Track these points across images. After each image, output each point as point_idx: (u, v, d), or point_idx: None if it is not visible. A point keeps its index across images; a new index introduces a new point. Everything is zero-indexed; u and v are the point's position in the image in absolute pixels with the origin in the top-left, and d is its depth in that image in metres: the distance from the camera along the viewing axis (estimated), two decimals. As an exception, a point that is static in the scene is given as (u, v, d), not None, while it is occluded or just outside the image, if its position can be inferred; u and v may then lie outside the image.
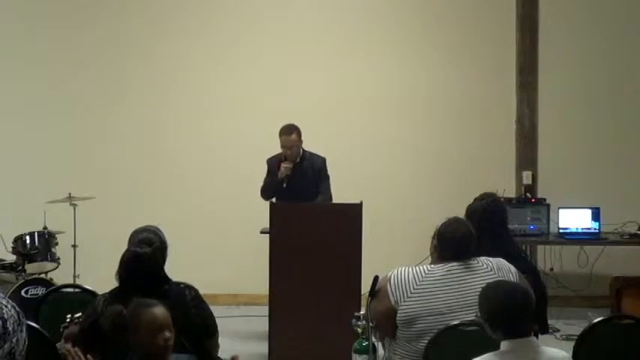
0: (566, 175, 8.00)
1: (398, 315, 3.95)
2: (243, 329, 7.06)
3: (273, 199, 6.49)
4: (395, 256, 6.16)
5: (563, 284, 7.73)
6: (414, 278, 3.98)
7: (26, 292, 6.05)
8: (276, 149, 6.89)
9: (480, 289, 3.41)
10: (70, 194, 7.36)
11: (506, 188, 7.61)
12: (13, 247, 7.18)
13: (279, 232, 5.89)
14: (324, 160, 6.73)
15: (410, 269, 4.04)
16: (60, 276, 7.18)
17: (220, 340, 4.01)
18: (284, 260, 5.86)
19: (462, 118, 8.14)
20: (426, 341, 3.84)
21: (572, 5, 8.10)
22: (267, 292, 5.92)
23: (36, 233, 7.23)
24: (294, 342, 5.78)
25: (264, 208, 5.93)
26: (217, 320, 3.99)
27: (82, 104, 8.25)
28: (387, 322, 3.99)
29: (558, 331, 6.85)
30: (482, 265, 4.02)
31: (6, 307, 3.34)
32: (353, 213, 5.86)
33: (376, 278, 4.01)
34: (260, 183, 6.91)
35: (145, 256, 3.84)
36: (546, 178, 8.04)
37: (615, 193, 7.84)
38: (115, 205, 7.98)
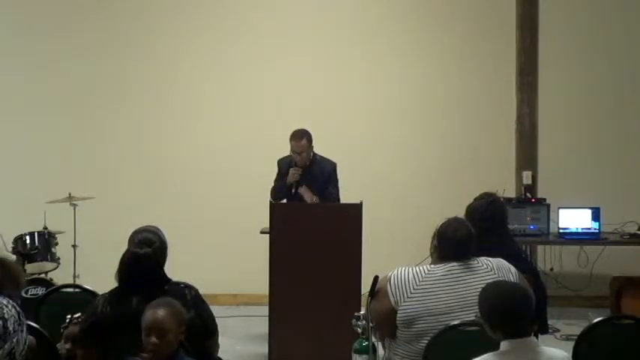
0: (566, 175, 8.01)
1: (398, 315, 3.95)
2: (243, 329, 7.05)
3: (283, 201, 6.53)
4: (395, 256, 6.16)
5: (563, 284, 7.73)
6: (414, 278, 3.98)
7: (26, 292, 6.03)
8: (277, 149, 6.89)
9: (480, 289, 3.41)
10: (70, 194, 7.36)
11: (506, 188, 7.61)
12: (13, 247, 7.18)
13: (279, 232, 5.89)
14: (334, 164, 6.70)
15: (410, 269, 4.04)
16: (60, 276, 7.18)
17: (220, 340, 4.01)
18: (284, 260, 5.86)
19: (462, 117, 8.14)
20: (426, 341, 3.84)
21: (572, 5, 8.10)
22: (267, 292, 5.92)
23: (36, 233, 7.23)
24: (294, 342, 5.78)
25: (264, 208, 5.93)
26: (217, 320, 3.99)
27: (82, 104, 8.25)
28: (387, 322, 3.98)
29: (558, 331, 6.86)
30: (482, 265, 4.02)
31: (6, 307, 3.34)
32: (353, 213, 5.86)
33: (376, 278, 4.01)
34: (260, 183, 6.91)
35: (144, 257, 3.84)
36: (546, 178, 8.04)
37: (615, 193, 7.84)
38: (115, 205, 7.97)
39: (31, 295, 5.94)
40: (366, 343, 3.83)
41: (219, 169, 8.14)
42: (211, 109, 8.24)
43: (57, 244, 7.37)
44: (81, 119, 8.24)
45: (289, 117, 7.88)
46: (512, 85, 8.13)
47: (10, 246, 7.20)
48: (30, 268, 7.09)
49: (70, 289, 5.05)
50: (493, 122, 8.13)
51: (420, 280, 3.97)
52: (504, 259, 4.15)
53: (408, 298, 3.94)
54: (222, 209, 8.05)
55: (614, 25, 8.05)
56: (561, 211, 7.48)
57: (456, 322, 3.84)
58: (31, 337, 3.62)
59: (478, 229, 4.30)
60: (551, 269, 7.80)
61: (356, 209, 5.86)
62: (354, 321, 3.89)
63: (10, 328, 3.26)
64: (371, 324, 3.84)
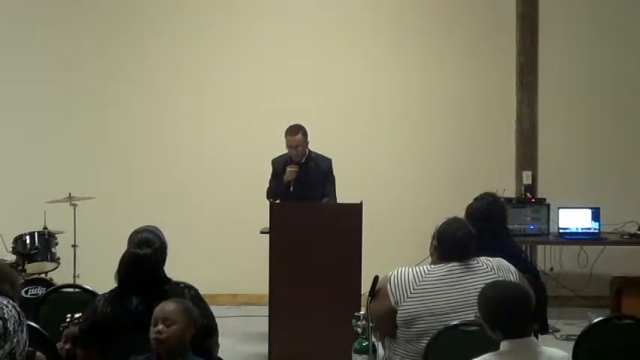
0: (566, 175, 8.01)
1: (398, 315, 3.95)
2: (243, 329, 7.06)
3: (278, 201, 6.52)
4: (395, 256, 6.15)
5: (563, 284, 7.74)
6: (414, 278, 3.98)
7: (26, 292, 6.04)
8: (277, 149, 6.89)
9: (480, 289, 3.40)
10: (70, 194, 7.36)
11: (506, 188, 7.61)
12: (13, 247, 7.18)
13: (279, 232, 5.89)
14: (330, 161, 6.72)
15: (410, 269, 4.04)
16: (60, 276, 7.18)
17: (220, 340, 4.01)
18: (284, 260, 5.86)
19: (462, 118, 8.14)
20: (425, 341, 3.84)
21: (572, 5, 8.11)
22: (267, 292, 5.93)
23: (36, 233, 7.23)
24: (294, 342, 5.78)
25: (264, 208, 5.94)
26: (217, 320, 3.99)
27: (82, 104, 8.26)
28: (387, 322, 3.98)
29: (558, 331, 6.86)
30: (482, 265, 4.02)
31: (7, 307, 3.34)
32: (353, 213, 5.86)
33: (376, 278, 4.01)
34: (260, 183, 6.91)
35: (144, 258, 3.84)
36: (546, 178, 8.04)
37: (615, 193, 7.84)
38: (115, 205, 7.98)
39: (31, 295, 5.96)
40: (366, 343, 3.83)
41: (219, 169, 8.14)
42: (211, 109, 8.24)
43: (57, 244, 7.36)
44: (81, 119, 8.24)
45: (289, 117, 7.86)
46: (512, 85, 8.13)
47: (10, 246, 7.19)
48: (30, 268, 7.09)
49: (70, 289, 5.05)
50: (493, 122, 8.13)
51: (420, 280, 3.97)
52: (504, 259, 4.15)
53: (408, 298, 3.94)
54: (222, 209, 8.05)
55: (614, 25, 8.05)
56: (561, 211, 7.48)
57: (455, 322, 3.84)
58: (40, 354, 3.62)
59: (478, 229, 4.30)
60: (551, 269, 7.80)
61: (356, 209, 5.86)
62: (354, 321, 3.88)
63: (11, 329, 3.26)
64: (371, 324, 3.83)
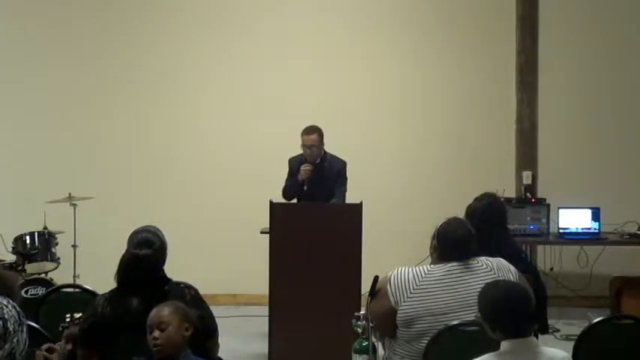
0: (566, 175, 8.01)
1: (398, 315, 3.95)
2: (243, 329, 7.06)
3: (294, 200, 6.57)
4: (395, 256, 6.15)
5: (563, 284, 7.74)
6: (414, 278, 3.98)
7: (26, 292, 6.04)
8: (277, 149, 6.90)
9: (480, 289, 3.40)
10: (70, 194, 7.37)
11: (506, 188, 7.62)
12: (13, 247, 7.18)
13: (279, 232, 5.89)
14: (344, 163, 6.76)
15: (410, 269, 4.04)
16: (60, 276, 7.18)
17: (220, 340, 4.00)
18: (284, 260, 5.86)
19: (462, 118, 8.14)
20: (425, 341, 3.84)
21: (572, 5, 8.11)
22: (267, 292, 5.93)
23: (36, 233, 7.23)
24: (294, 342, 5.78)
25: (264, 208, 5.93)
26: (217, 320, 3.99)
27: (81, 104, 8.26)
28: (386, 322, 3.98)
29: (558, 331, 6.86)
30: (482, 265, 4.02)
31: (6, 307, 3.34)
32: (353, 213, 5.86)
33: (376, 278, 4.01)
34: (260, 183, 6.92)
35: (144, 258, 3.84)
36: (546, 178, 8.04)
37: (615, 193, 7.84)
38: (115, 205, 7.98)
39: (31, 295, 5.96)
40: (366, 343, 3.83)
41: (219, 169, 8.15)
42: (211, 109, 8.24)
43: (57, 244, 7.37)
44: (81, 119, 8.24)
45: (289, 117, 7.89)
46: (512, 85, 8.13)
47: (10, 246, 7.19)
48: (30, 268, 7.09)
49: (70, 289, 5.05)
50: (493, 122, 8.13)
51: (420, 280, 3.97)
52: (504, 259, 4.15)
53: (408, 298, 3.94)
54: (222, 209, 8.06)
55: (614, 25, 8.05)
56: (561, 211, 7.48)
57: (455, 322, 3.84)
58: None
59: (478, 230, 4.30)
60: (551, 269, 7.80)
61: (356, 209, 5.86)
62: (354, 321, 3.88)
63: (11, 329, 3.25)
64: (371, 324, 3.83)
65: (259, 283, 6.23)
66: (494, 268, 4.02)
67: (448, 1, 8.22)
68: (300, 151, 6.70)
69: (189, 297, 3.84)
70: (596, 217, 7.45)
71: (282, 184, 6.81)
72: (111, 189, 8.07)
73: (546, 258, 7.83)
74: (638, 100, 8.07)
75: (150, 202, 7.95)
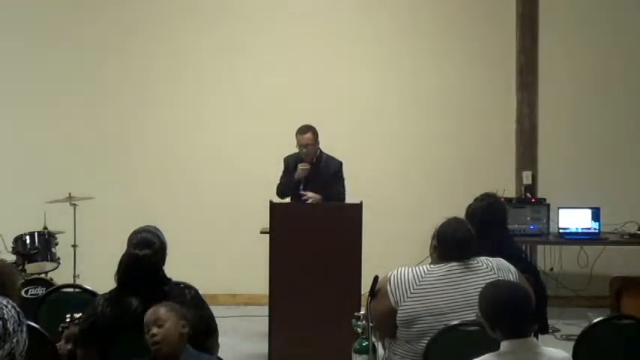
0: (566, 175, 8.01)
1: (398, 315, 3.95)
2: (243, 329, 7.06)
3: (288, 199, 6.54)
4: (395, 256, 6.16)
5: (563, 284, 7.74)
6: (414, 278, 3.98)
7: (26, 292, 6.04)
8: (276, 149, 6.89)
9: (480, 289, 3.40)
10: (70, 194, 7.36)
11: (506, 188, 7.62)
12: (13, 247, 7.18)
13: (279, 232, 5.89)
14: (340, 163, 6.74)
15: (410, 269, 4.04)
16: (60, 276, 7.18)
17: (220, 340, 4.01)
18: (284, 260, 5.86)
19: (462, 118, 8.14)
20: (426, 341, 3.84)
21: (572, 5, 8.11)
22: (267, 292, 5.92)
23: (36, 233, 7.22)
24: (294, 342, 5.78)
25: (264, 208, 5.93)
26: (217, 320, 3.99)
27: (82, 104, 8.25)
28: (386, 322, 3.98)
29: (558, 331, 6.86)
30: (482, 265, 4.02)
31: (6, 307, 3.34)
32: (353, 213, 5.86)
33: (376, 278, 4.01)
34: (260, 183, 6.91)
35: (144, 259, 3.84)
36: (546, 178, 8.04)
37: (615, 193, 7.84)
38: (115, 205, 7.98)
39: (31, 295, 5.96)
40: (366, 343, 3.82)
41: (219, 169, 8.14)
42: (211, 109, 8.24)
43: (57, 244, 7.36)
44: (81, 119, 8.24)
45: (289, 117, 7.86)
46: (512, 85, 8.13)
47: (10, 246, 7.19)
48: (30, 268, 7.09)
49: (70, 289, 5.05)
50: (493, 122, 8.13)
51: (420, 280, 3.97)
52: (504, 259, 4.15)
53: (408, 298, 3.94)
54: (222, 209, 8.06)
55: (613, 25, 8.05)
56: (561, 211, 7.48)
57: (455, 322, 3.83)
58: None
59: (478, 230, 4.30)
60: (551, 269, 7.81)
61: (356, 209, 5.86)
62: (354, 321, 3.88)
63: (10, 329, 3.26)
64: (371, 324, 3.83)
65: (259, 283, 6.23)
66: (494, 268, 4.02)
67: (448, 1, 8.22)
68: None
69: (189, 297, 3.85)
70: (596, 217, 7.45)
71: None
72: (111, 189, 8.07)
73: (546, 258, 7.83)
74: (638, 99, 8.07)
75: (150, 202, 7.95)
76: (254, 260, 6.77)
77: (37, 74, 8.25)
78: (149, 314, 3.52)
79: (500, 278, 3.89)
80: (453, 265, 4.00)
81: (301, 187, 6.57)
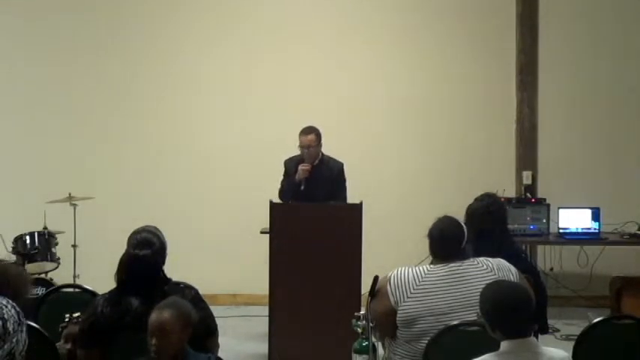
0: (566, 175, 8.01)
1: (398, 315, 3.95)
2: (243, 329, 7.06)
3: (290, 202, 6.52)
4: (395, 256, 6.16)
5: (563, 284, 7.74)
6: (414, 278, 3.98)
7: (26, 292, 6.03)
8: (276, 149, 6.89)
9: (481, 290, 3.40)
10: (70, 194, 7.36)
11: (506, 188, 7.62)
12: (13, 247, 7.18)
13: (279, 232, 5.89)
14: (342, 165, 6.70)
15: (410, 269, 4.04)
16: (60, 276, 7.18)
17: (220, 340, 4.00)
18: (284, 260, 5.86)
19: (462, 118, 8.14)
20: (425, 341, 3.84)
21: (572, 5, 8.10)
22: (267, 292, 5.93)
23: (36, 233, 7.22)
24: (294, 342, 5.78)
25: (264, 208, 5.93)
26: (217, 320, 3.99)
27: (82, 104, 8.26)
28: (387, 322, 3.98)
29: (558, 331, 6.86)
30: (482, 265, 4.02)
31: (6, 307, 3.34)
32: (353, 213, 5.86)
33: (376, 278, 4.01)
34: (260, 183, 6.90)
35: (144, 259, 3.84)
36: (546, 178, 8.04)
37: (615, 193, 7.84)
38: (115, 205, 7.98)
39: (31, 295, 5.95)
40: (366, 343, 3.82)
41: (219, 168, 8.14)
42: (211, 109, 8.23)
43: (57, 244, 7.36)
44: (81, 119, 8.25)
45: (289, 118, 7.88)
46: (512, 85, 8.13)
47: (10, 246, 7.19)
48: (30, 268, 7.08)
49: (70, 289, 5.05)
50: (493, 122, 8.13)
51: (420, 280, 3.97)
52: (504, 259, 4.15)
53: (408, 298, 3.94)
54: (222, 209, 8.06)
55: (613, 24, 8.06)
56: (561, 211, 7.48)
57: (456, 322, 3.84)
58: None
59: (478, 230, 4.30)
60: (551, 269, 7.80)
61: (356, 209, 5.86)
62: (354, 321, 3.88)
63: (10, 329, 3.26)
64: (371, 324, 3.83)
65: (259, 283, 6.23)
66: (494, 268, 4.02)
67: (448, 1, 8.22)
68: (296, 152, 6.67)
69: (189, 297, 3.85)
70: (596, 217, 7.45)
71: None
72: (111, 189, 8.07)
73: (546, 258, 7.83)
74: (637, 99, 8.07)
75: (150, 202, 7.95)
76: (254, 260, 6.77)
77: (37, 74, 8.25)
78: (154, 319, 3.44)
79: (500, 278, 3.89)
80: (453, 265, 4.00)
81: (302, 188, 6.55)
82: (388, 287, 3.99)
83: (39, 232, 7.25)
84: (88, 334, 3.81)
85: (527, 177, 8.03)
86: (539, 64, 8.10)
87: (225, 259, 7.95)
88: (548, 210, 7.50)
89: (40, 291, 5.89)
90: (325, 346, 5.59)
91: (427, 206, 7.46)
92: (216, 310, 4.07)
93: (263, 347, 6.07)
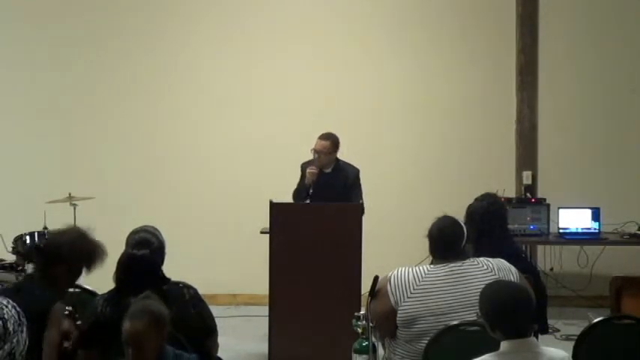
0: (566, 175, 8.01)
1: (398, 315, 3.95)
2: (243, 329, 7.06)
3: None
4: (395, 256, 6.16)
5: (563, 284, 7.74)
6: (414, 278, 3.98)
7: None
8: (276, 150, 6.90)
9: (481, 290, 3.41)
10: (70, 194, 7.36)
11: (506, 188, 7.62)
12: (13, 247, 7.17)
13: (279, 232, 5.89)
14: (358, 171, 6.66)
15: (410, 269, 4.04)
16: (60, 276, 7.16)
17: (220, 340, 4.00)
18: (284, 260, 5.86)
19: (462, 118, 8.14)
20: (426, 341, 3.84)
21: (572, 5, 8.10)
22: (267, 292, 5.93)
23: (36, 233, 7.21)
24: (294, 342, 5.78)
25: (264, 208, 5.93)
26: (217, 320, 3.99)
27: (82, 104, 8.25)
28: (387, 322, 3.99)
29: (558, 331, 6.86)
30: (483, 265, 4.02)
31: (6, 307, 3.35)
32: (353, 213, 5.86)
33: (376, 278, 4.01)
34: (260, 183, 6.91)
35: (142, 259, 3.84)
36: (546, 178, 8.04)
37: (615, 193, 7.84)
38: (115, 205, 7.97)
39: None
40: (366, 343, 3.83)
41: (219, 168, 8.14)
42: (211, 110, 8.23)
43: (57, 244, 7.34)
44: (81, 119, 8.24)
45: (289, 119, 7.91)
46: (512, 85, 8.13)
47: (10, 246, 7.19)
48: (30, 268, 7.07)
49: (70, 289, 5.04)
50: (493, 122, 8.13)
51: (421, 280, 3.97)
52: (504, 259, 4.15)
53: (408, 298, 3.94)
54: (222, 209, 8.05)
55: (613, 24, 8.05)
56: (561, 211, 7.48)
57: (456, 322, 3.84)
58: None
59: (479, 230, 4.31)
60: (551, 269, 7.80)
61: (356, 209, 5.86)
62: (354, 321, 3.88)
63: (10, 329, 3.26)
64: (371, 324, 3.84)
65: (259, 283, 6.23)
66: (494, 268, 4.02)
67: (448, 0, 8.22)
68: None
69: (188, 297, 3.85)
70: (596, 217, 7.45)
71: (283, 184, 6.76)
72: (111, 189, 8.06)
73: (546, 258, 7.83)
74: (638, 99, 8.07)
75: (150, 202, 7.94)
76: (254, 260, 6.77)
77: (37, 75, 8.25)
78: (128, 331, 3.30)
79: (500, 279, 3.89)
80: (453, 266, 4.01)
81: (310, 192, 6.51)
82: (388, 287, 3.99)
83: (39, 232, 7.23)
84: (88, 334, 3.82)
85: (527, 177, 8.03)
86: (539, 64, 8.10)
87: (225, 259, 7.95)
88: (548, 210, 7.50)
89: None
90: (325, 346, 5.59)
91: (427, 206, 7.49)
92: (216, 310, 4.08)
93: (263, 347, 6.07)
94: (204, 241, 7.97)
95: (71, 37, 8.27)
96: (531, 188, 7.99)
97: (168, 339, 3.41)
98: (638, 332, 4.00)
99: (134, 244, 3.96)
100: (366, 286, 4.37)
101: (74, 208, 7.41)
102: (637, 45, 8.07)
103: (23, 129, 8.25)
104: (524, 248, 6.87)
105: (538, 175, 8.07)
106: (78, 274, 4.06)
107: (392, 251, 7.25)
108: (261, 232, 6.26)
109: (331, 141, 6.54)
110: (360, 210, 5.96)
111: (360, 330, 3.86)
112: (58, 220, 7.37)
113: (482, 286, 3.46)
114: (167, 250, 4.21)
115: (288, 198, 6.62)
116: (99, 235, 7.69)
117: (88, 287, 4.82)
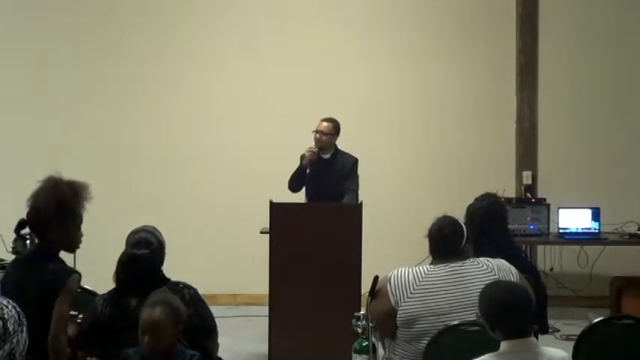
0: (566, 175, 8.01)
1: (398, 315, 3.95)
2: (243, 329, 7.06)
3: (302, 191, 6.50)
4: (395, 256, 6.16)
5: (563, 284, 7.74)
6: (415, 278, 3.98)
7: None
8: (276, 149, 6.89)
9: (481, 290, 3.40)
10: (70, 194, 7.35)
11: (506, 188, 7.61)
12: (13, 247, 7.16)
13: (279, 232, 5.89)
14: (356, 160, 6.70)
15: (410, 269, 4.04)
16: (60, 276, 7.16)
17: (220, 340, 4.00)
18: (284, 260, 5.86)
19: (461, 118, 8.14)
20: (426, 341, 3.84)
21: (572, 5, 8.11)
22: (267, 292, 5.92)
23: (36, 233, 7.20)
24: (294, 342, 5.78)
25: (264, 208, 5.93)
26: (217, 320, 3.99)
27: (82, 104, 8.25)
28: (387, 323, 3.98)
29: (558, 331, 6.86)
30: (483, 265, 4.02)
31: (6, 307, 3.34)
32: (353, 213, 5.87)
33: (376, 278, 4.01)
34: (260, 183, 6.91)
35: (142, 258, 3.84)
36: (546, 178, 8.04)
37: (615, 193, 7.84)
38: (115, 205, 7.97)
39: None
40: (366, 343, 3.82)
41: (219, 168, 8.14)
42: (211, 109, 8.23)
43: (57, 244, 7.34)
44: (81, 119, 8.24)
45: (288, 117, 7.90)
46: (512, 85, 8.13)
47: (10, 246, 7.18)
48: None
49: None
50: (493, 122, 8.13)
51: (421, 280, 3.97)
52: (504, 259, 4.15)
53: (408, 298, 3.94)
54: (222, 209, 8.05)
55: (614, 24, 8.06)
56: (561, 211, 7.48)
57: (456, 322, 3.84)
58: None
59: (479, 230, 4.30)
60: (551, 269, 7.80)
61: (356, 209, 5.86)
62: (354, 321, 3.88)
63: (10, 329, 3.25)
64: (371, 324, 3.84)
65: (259, 283, 6.23)
66: (494, 268, 4.02)
67: (448, 1, 8.22)
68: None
69: (188, 297, 3.84)
70: (596, 217, 7.45)
71: (283, 184, 6.76)
72: (110, 189, 8.05)
73: (546, 258, 7.83)
74: (638, 99, 8.08)
75: (150, 202, 7.94)
76: (254, 260, 6.77)
77: (38, 75, 8.25)
78: (146, 317, 3.42)
79: (500, 279, 3.89)
80: (453, 266, 4.01)
81: (307, 171, 6.50)
82: (388, 287, 3.99)
83: (39, 233, 7.23)
84: (88, 334, 3.81)
85: (527, 177, 8.03)
86: (539, 64, 8.10)
87: (225, 259, 7.95)
88: (548, 210, 7.49)
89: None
90: (325, 346, 5.58)
91: (427, 206, 7.50)
92: (216, 310, 4.07)
93: (263, 347, 6.07)
94: (204, 241, 7.97)
95: (73, 39, 8.26)
96: (531, 188, 8.00)
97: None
98: (638, 332, 4.00)
99: (134, 244, 3.96)
100: (366, 286, 4.37)
101: (74, 208, 7.41)
102: (637, 45, 8.07)
103: (23, 129, 8.25)
104: (524, 248, 6.86)
105: (538, 175, 8.08)
106: (74, 223, 4.08)
107: (392, 251, 7.25)
108: (261, 232, 6.25)
109: (333, 124, 6.62)
110: (359, 210, 5.94)
111: (360, 330, 3.86)
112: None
113: (483, 286, 3.46)
114: (167, 250, 4.21)
115: (288, 198, 6.62)
116: (99, 234, 7.73)
117: (88, 287, 4.82)
